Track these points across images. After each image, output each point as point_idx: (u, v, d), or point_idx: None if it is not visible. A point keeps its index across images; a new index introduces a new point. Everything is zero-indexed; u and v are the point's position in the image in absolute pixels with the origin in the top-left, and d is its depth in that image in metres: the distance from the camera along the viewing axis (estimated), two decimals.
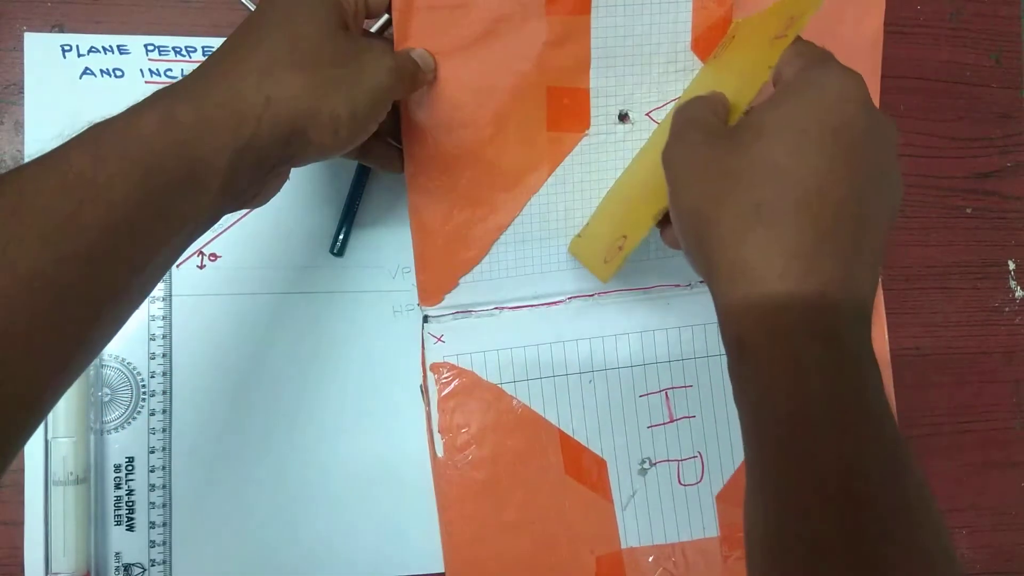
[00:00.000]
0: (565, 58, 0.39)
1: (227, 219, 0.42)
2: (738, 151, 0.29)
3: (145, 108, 0.27)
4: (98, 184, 0.25)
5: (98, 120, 0.27)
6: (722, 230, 0.28)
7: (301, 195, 0.43)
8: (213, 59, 0.30)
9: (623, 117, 0.41)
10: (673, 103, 0.41)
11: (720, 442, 0.44)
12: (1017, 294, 0.49)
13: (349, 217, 0.43)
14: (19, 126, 0.41)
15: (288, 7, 0.30)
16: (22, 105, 0.41)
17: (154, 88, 0.41)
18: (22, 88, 0.41)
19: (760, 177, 0.28)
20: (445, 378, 0.42)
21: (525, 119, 0.40)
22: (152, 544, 0.41)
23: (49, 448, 0.39)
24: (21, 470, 0.40)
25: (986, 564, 0.48)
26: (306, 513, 0.42)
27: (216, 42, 0.42)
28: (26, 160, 0.27)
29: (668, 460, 0.44)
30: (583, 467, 0.43)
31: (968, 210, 0.49)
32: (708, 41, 0.40)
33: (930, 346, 0.48)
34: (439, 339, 0.42)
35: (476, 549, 0.42)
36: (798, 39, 0.32)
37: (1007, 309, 0.49)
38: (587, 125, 0.41)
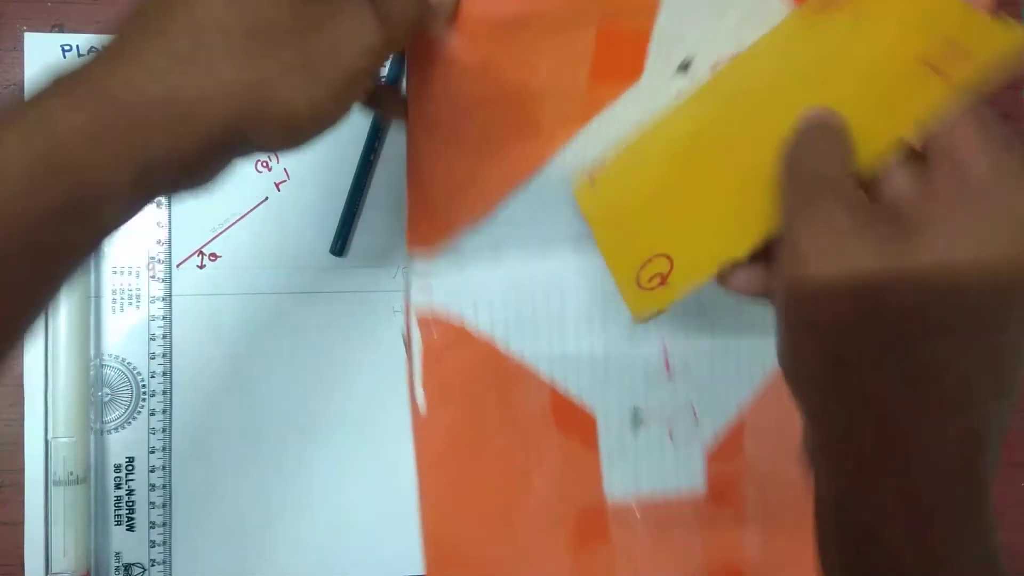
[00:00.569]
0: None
1: (227, 219, 0.42)
2: (918, 274, 0.20)
3: (28, 115, 0.20)
4: None
5: None
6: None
7: (301, 194, 0.43)
8: (138, 18, 0.21)
9: (684, 66, 0.34)
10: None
11: (715, 399, 0.43)
12: None
13: (350, 217, 0.43)
14: None
15: None
16: None
17: None
18: (22, 88, 0.41)
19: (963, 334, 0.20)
20: (431, 328, 0.39)
21: (562, 61, 0.33)
22: (152, 544, 0.41)
23: (49, 448, 0.39)
24: (21, 470, 0.40)
25: None
26: (306, 513, 0.42)
27: None
28: None
29: (660, 414, 0.43)
30: (572, 420, 0.41)
31: None
32: None
33: None
34: (428, 287, 0.39)
35: (456, 511, 0.40)
36: (973, 101, 0.23)
37: None
38: (639, 73, 0.34)
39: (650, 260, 0.31)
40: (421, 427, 0.39)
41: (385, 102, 0.32)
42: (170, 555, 0.41)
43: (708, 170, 0.30)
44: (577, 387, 0.41)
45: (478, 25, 0.31)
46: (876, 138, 0.23)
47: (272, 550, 0.42)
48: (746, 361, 0.43)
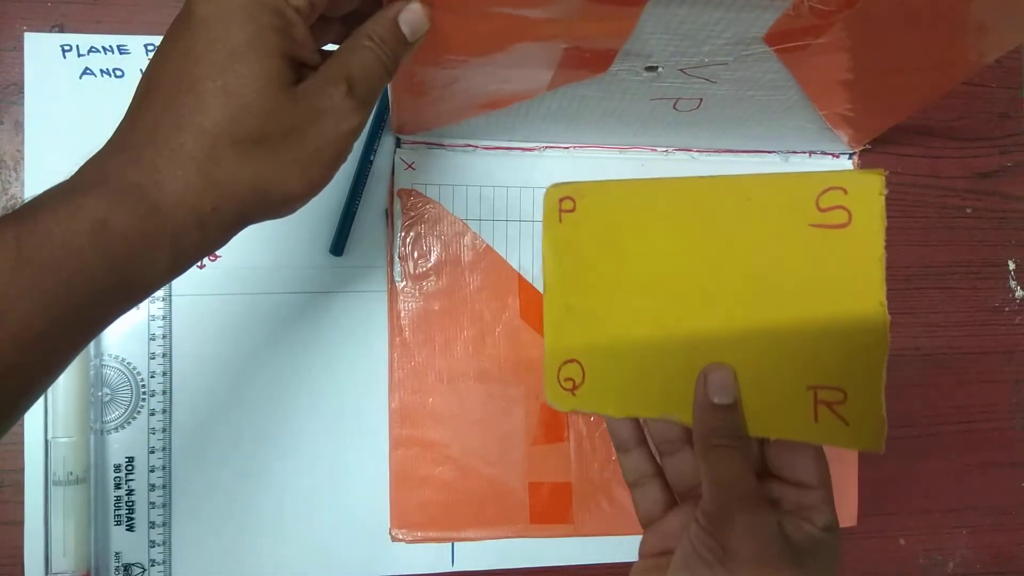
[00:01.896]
0: (599, 31, 0.32)
1: None
2: None
3: (78, 209, 0.23)
4: (11, 297, 0.22)
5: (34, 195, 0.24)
6: None
7: None
8: (150, 116, 0.25)
9: (652, 69, 0.36)
10: (716, 66, 0.34)
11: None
12: (1017, 294, 0.49)
13: (348, 217, 0.43)
14: (19, 126, 0.41)
15: (227, 56, 0.24)
16: (22, 105, 0.41)
17: None
18: (22, 88, 0.41)
19: None
20: (412, 205, 0.43)
21: (534, 64, 0.35)
22: (152, 544, 0.41)
23: (49, 448, 0.39)
24: (21, 470, 0.40)
25: (986, 564, 0.48)
26: (306, 512, 0.42)
27: None
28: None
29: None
30: (537, 313, 0.43)
31: (968, 210, 0.49)
32: (790, 37, 0.33)
33: (930, 346, 0.48)
34: (410, 166, 0.43)
35: (421, 380, 0.43)
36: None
37: (1007, 309, 0.49)
38: (606, 70, 0.35)
39: (573, 361, 0.34)
40: (396, 295, 0.43)
41: None
42: (170, 555, 0.41)
43: (666, 318, 0.33)
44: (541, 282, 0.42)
45: (464, 32, 0.31)
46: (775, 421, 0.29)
47: (272, 549, 0.42)
48: None
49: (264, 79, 0.24)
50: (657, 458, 0.34)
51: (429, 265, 0.43)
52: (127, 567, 0.41)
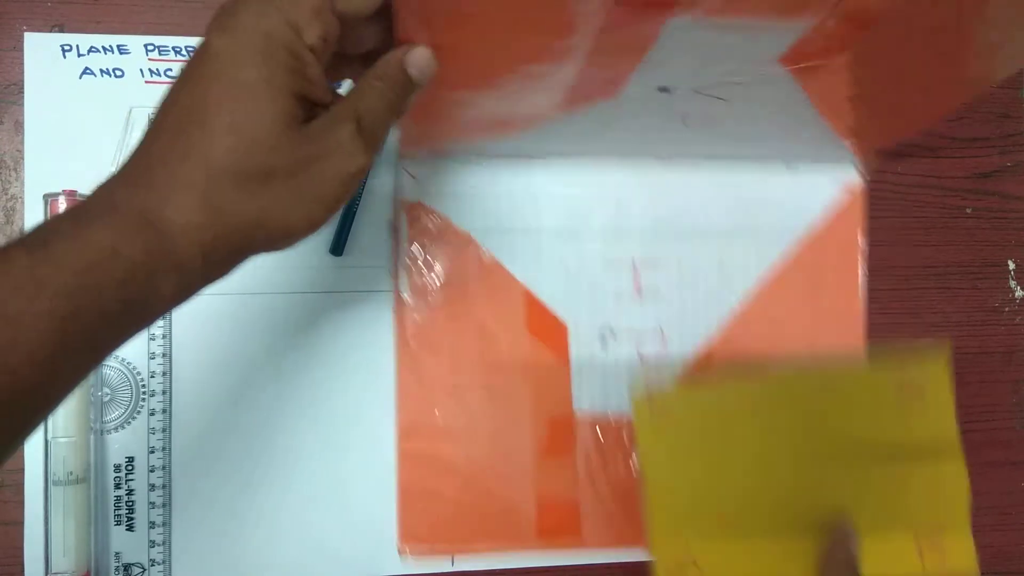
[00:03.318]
0: (613, 49, 0.32)
1: None
2: None
3: (89, 237, 0.23)
4: (27, 321, 0.22)
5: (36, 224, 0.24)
6: None
7: None
8: (156, 149, 0.25)
9: (665, 90, 0.36)
10: (730, 84, 0.34)
11: (684, 320, 0.44)
12: (1017, 294, 0.49)
13: (348, 216, 0.43)
14: (19, 126, 0.41)
15: (234, 91, 0.24)
16: (22, 105, 0.41)
17: (154, 88, 0.41)
18: (22, 88, 0.41)
19: None
20: (416, 217, 0.42)
21: (544, 92, 0.35)
22: (152, 544, 0.41)
23: (49, 448, 0.39)
24: (21, 470, 0.40)
25: (986, 564, 0.48)
26: (307, 512, 0.42)
27: None
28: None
29: (629, 331, 0.44)
30: (544, 327, 0.43)
31: (968, 210, 0.49)
32: (807, 57, 0.33)
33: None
34: (413, 176, 0.42)
35: (428, 394, 0.42)
36: None
37: (1007, 309, 0.49)
38: (616, 94, 0.36)
39: (689, 562, 0.36)
40: (401, 310, 0.42)
41: None
42: (170, 555, 0.41)
43: (772, 498, 0.36)
44: (550, 298, 0.43)
45: (455, 62, 0.30)
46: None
47: (272, 549, 0.42)
48: (716, 292, 0.45)
49: (273, 116, 0.25)
50: None
51: (435, 278, 0.42)
52: (127, 567, 0.41)
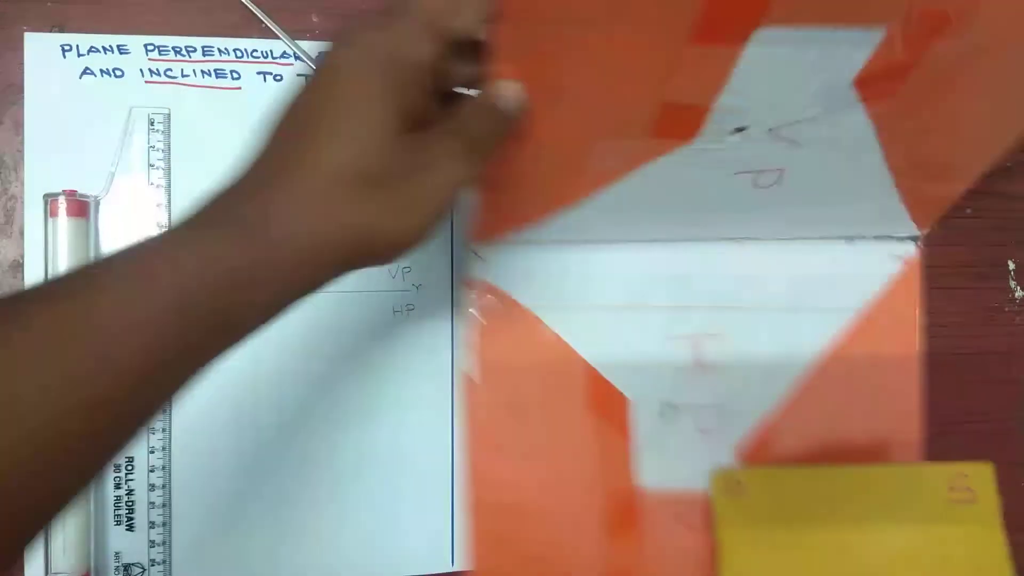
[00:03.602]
0: (695, 82, 0.32)
1: None
2: None
3: (185, 242, 0.24)
4: (125, 331, 0.22)
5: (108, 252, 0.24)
6: None
7: None
8: (266, 159, 0.26)
9: (739, 130, 0.36)
10: (804, 123, 0.35)
11: (745, 395, 0.45)
12: (1017, 294, 0.49)
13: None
14: (19, 126, 0.41)
15: (350, 101, 0.25)
16: (22, 105, 0.41)
17: (154, 88, 0.41)
18: (22, 88, 0.41)
19: None
20: (482, 298, 0.43)
21: (627, 127, 0.35)
22: (152, 544, 0.41)
23: None
24: None
25: None
26: (307, 512, 0.42)
27: (216, 42, 0.42)
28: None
29: (691, 407, 0.44)
30: (606, 403, 0.44)
31: (968, 210, 0.49)
32: (879, 80, 0.34)
33: (930, 346, 0.48)
34: (480, 257, 0.43)
35: (497, 473, 0.43)
36: None
37: (1007, 309, 0.49)
38: (694, 135, 0.36)
39: None
40: (470, 389, 0.43)
41: None
42: (170, 555, 0.41)
43: None
44: (611, 373, 0.44)
45: (545, 99, 0.32)
46: None
47: (272, 549, 0.42)
48: (776, 366, 0.45)
49: (386, 126, 0.25)
50: None
51: (498, 356, 0.43)
52: (127, 567, 0.41)
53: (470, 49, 0.28)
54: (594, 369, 0.44)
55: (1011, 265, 0.49)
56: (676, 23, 0.29)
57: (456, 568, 0.43)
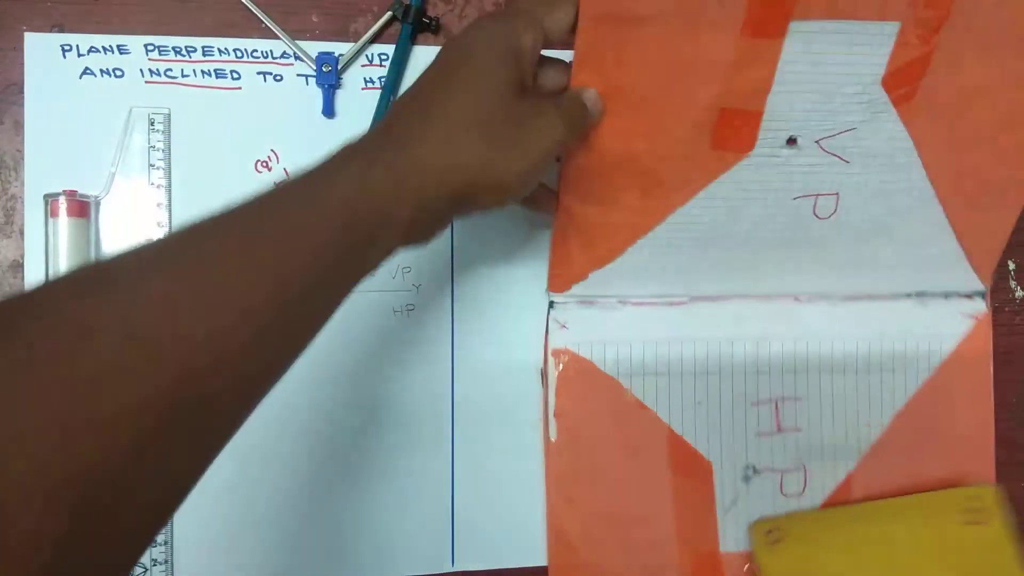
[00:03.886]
0: (746, 81, 0.37)
1: None
2: None
3: (342, 169, 0.29)
4: (306, 231, 0.26)
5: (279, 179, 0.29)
6: None
7: None
8: (404, 111, 0.32)
9: (791, 141, 0.40)
10: (849, 132, 0.40)
11: (824, 456, 0.45)
12: (1017, 294, 0.49)
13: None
14: (19, 126, 0.41)
15: (476, 67, 0.32)
16: (22, 105, 0.41)
17: (154, 88, 0.42)
18: (22, 88, 0.41)
19: None
20: (565, 364, 0.44)
21: (689, 135, 0.39)
22: (154, 544, 0.41)
23: None
24: None
25: None
26: (308, 512, 0.42)
27: (216, 42, 0.42)
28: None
29: (772, 469, 0.45)
30: (689, 467, 0.44)
31: None
32: (902, 77, 0.38)
33: None
34: (563, 326, 0.44)
35: (579, 535, 0.43)
36: None
37: (1007, 309, 0.49)
38: (752, 146, 0.40)
39: None
40: (551, 452, 0.43)
41: (540, 200, 0.41)
42: (171, 555, 0.41)
43: None
44: (693, 435, 0.44)
45: (627, 100, 0.37)
46: None
47: (273, 550, 0.42)
48: (854, 427, 0.46)
49: (500, 86, 0.32)
50: None
51: (582, 422, 0.43)
52: None
53: (556, 63, 0.36)
54: (677, 433, 0.44)
55: (1011, 265, 0.49)
56: (728, 17, 0.35)
57: (456, 568, 0.43)
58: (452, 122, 0.31)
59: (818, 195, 0.42)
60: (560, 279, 0.44)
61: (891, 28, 0.37)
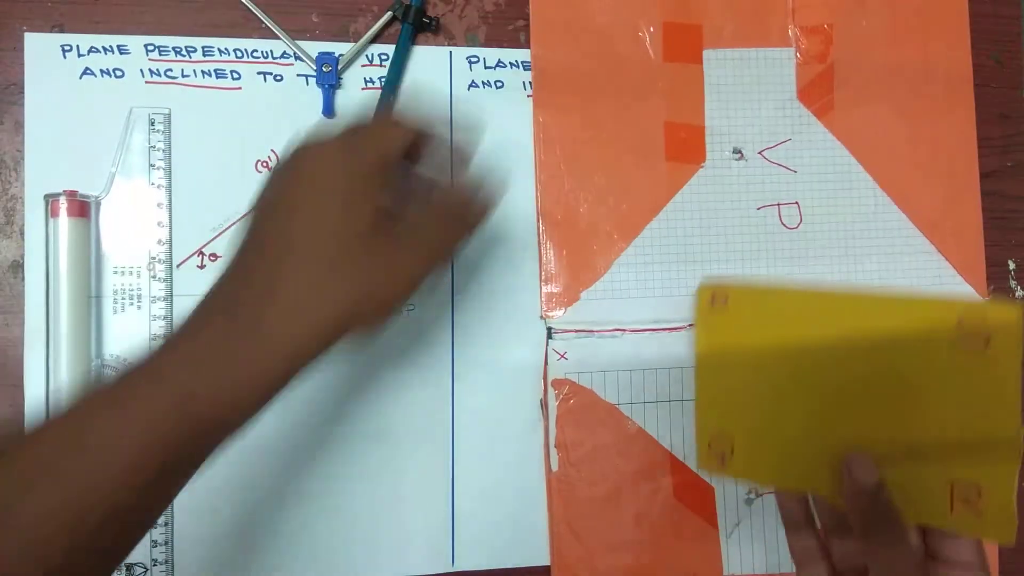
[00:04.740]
0: (681, 98, 0.45)
1: (227, 219, 0.42)
2: None
3: (161, 381, 0.28)
4: (113, 464, 0.26)
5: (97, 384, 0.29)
6: None
7: None
8: (244, 290, 0.29)
9: (737, 152, 0.45)
10: (784, 144, 0.45)
11: None
12: (1017, 294, 0.49)
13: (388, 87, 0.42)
14: (19, 126, 0.41)
15: (314, 206, 0.29)
16: (22, 105, 0.41)
17: (154, 88, 0.41)
18: (22, 88, 0.41)
19: None
20: (565, 394, 0.44)
21: (645, 148, 0.45)
22: (154, 544, 0.41)
23: None
24: None
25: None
26: (308, 513, 0.42)
27: (216, 42, 0.42)
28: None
29: (774, 492, 0.45)
30: (691, 492, 0.44)
31: None
32: (814, 91, 0.46)
33: None
34: (562, 356, 0.44)
35: (583, 564, 0.44)
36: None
37: None
38: (703, 158, 0.45)
39: (723, 434, 0.37)
40: (553, 482, 0.44)
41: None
42: (171, 555, 0.41)
43: (811, 407, 0.35)
44: (695, 460, 0.44)
45: (584, 125, 0.43)
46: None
47: (273, 549, 0.42)
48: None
49: (348, 217, 0.29)
50: (824, 538, 0.35)
51: (583, 452, 0.44)
52: (128, 567, 0.41)
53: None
54: (679, 459, 0.44)
55: (1011, 265, 0.49)
56: (647, 52, 0.44)
57: (456, 568, 0.43)
58: (319, 264, 0.28)
59: (779, 204, 0.45)
60: (553, 301, 0.44)
61: (788, 52, 0.45)
